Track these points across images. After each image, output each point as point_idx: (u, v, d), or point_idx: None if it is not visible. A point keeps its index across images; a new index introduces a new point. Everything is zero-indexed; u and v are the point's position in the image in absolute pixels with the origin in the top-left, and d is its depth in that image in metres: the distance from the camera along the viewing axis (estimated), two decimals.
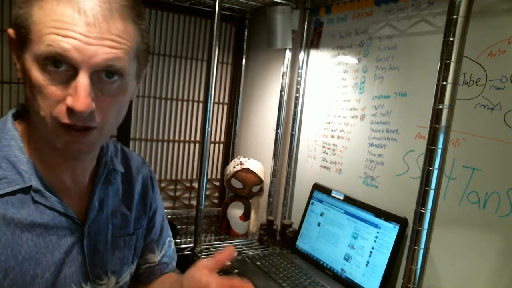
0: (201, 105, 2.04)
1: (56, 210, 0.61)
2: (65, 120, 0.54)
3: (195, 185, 2.10)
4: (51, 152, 0.61)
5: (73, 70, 0.53)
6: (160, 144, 1.99)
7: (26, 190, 0.59)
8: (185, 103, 2.00)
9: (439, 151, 0.75)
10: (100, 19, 0.52)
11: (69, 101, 0.53)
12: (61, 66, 0.52)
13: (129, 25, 0.56)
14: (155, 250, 0.85)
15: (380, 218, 1.23)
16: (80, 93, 0.52)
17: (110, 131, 0.61)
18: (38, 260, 0.60)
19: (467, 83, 1.02)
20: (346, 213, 1.34)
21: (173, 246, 0.90)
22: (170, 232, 0.90)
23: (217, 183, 2.18)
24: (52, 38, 0.51)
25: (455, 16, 0.72)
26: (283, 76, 1.67)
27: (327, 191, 1.44)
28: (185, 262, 1.71)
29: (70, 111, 0.53)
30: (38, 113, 0.55)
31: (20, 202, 0.59)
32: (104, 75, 0.55)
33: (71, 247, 0.64)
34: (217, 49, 1.39)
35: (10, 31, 0.58)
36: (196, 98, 2.02)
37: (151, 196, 0.82)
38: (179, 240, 1.72)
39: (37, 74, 0.53)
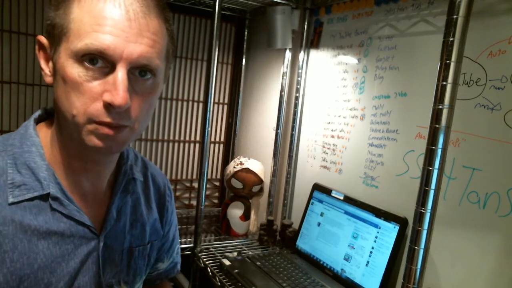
0: (201, 105, 2.04)
1: (73, 218, 0.61)
2: (101, 117, 0.53)
3: (195, 185, 2.10)
4: (74, 156, 0.61)
5: (109, 67, 0.53)
6: (160, 144, 1.99)
7: (45, 197, 0.58)
8: (185, 103, 2.00)
9: (439, 151, 0.75)
10: (139, 15, 0.53)
11: (107, 96, 0.52)
12: (97, 62, 0.52)
13: (162, 24, 0.57)
14: (165, 259, 0.85)
15: (380, 218, 1.23)
16: (119, 88, 0.51)
17: (140, 131, 0.60)
18: (53, 269, 0.59)
19: (467, 83, 1.02)
20: (346, 213, 1.34)
21: (179, 250, 0.90)
22: (179, 239, 0.90)
23: (217, 183, 2.18)
24: (92, 35, 0.51)
25: (455, 16, 0.72)
26: (283, 76, 1.67)
27: (327, 191, 1.44)
28: (185, 262, 1.72)
29: (107, 107, 0.52)
30: (70, 111, 0.54)
31: (37, 209, 0.58)
32: (138, 73, 0.55)
33: (86, 257, 0.63)
34: (217, 49, 1.39)
35: (42, 38, 0.57)
36: (196, 98, 2.02)
37: (168, 209, 0.81)
38: (179, 240, 1.72)
39: (72, 71, 0.52)
